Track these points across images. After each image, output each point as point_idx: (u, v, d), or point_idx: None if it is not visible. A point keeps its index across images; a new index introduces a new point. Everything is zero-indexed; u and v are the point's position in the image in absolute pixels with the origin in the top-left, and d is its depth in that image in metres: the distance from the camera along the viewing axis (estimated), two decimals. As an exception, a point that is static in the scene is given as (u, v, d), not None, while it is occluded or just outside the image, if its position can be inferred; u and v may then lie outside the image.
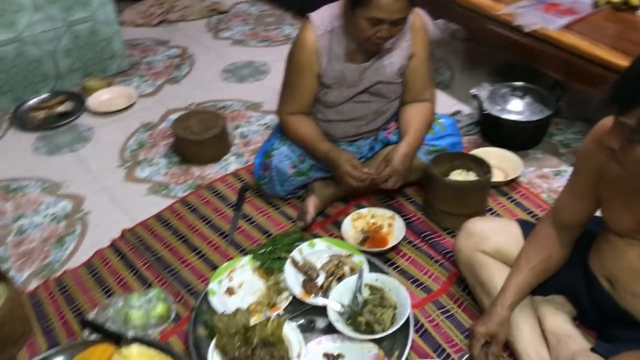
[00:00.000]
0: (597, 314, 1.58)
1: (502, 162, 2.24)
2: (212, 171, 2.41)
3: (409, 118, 2.05)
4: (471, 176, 2.04)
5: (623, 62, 1.98)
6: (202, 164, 2.44)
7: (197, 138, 2.39)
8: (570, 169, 2.16)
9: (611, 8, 2.31)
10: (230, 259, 1.95)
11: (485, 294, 1.66)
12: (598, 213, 1.51)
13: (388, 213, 2.04)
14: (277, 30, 3.46)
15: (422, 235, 2.02)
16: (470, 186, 1.97)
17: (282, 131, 2.10)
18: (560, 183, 2.21)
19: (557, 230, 1.56)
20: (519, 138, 2.37)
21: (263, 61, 3.17)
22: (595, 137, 1.41)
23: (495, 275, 1.63)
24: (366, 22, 1.74)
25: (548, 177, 2.27)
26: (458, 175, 2.05)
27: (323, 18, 1.90)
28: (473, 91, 2.45)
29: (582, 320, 1.66)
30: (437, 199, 2.02)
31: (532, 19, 2.25)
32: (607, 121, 1.30)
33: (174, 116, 2.67)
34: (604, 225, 1.49)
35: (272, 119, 2.66)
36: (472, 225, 1.71)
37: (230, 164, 2.45)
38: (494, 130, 2.39)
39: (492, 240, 1.66)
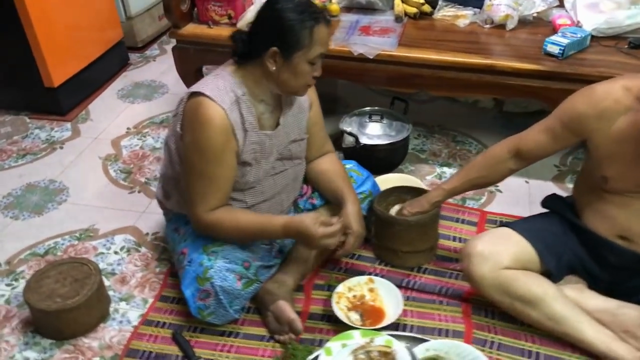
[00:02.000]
0: (607, 276, 1.72)
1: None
2: (97, 343, 1.76)
3: (330, 174, 1.88)
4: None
5: (471, 60, 2.20)
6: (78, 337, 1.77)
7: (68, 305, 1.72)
8: (430, 168, 2.43)
9: (410, 19, 2.50)
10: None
11: (528, 305, 1.65)
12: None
13: (361, 279, 1.84)
14: (30, 140, 2.73)
15: (403, 285, 1.87)
16: (433, 217, 1.91)
17: (201, 242, 1.70)
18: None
19: (508, 154, 1.72)
20: (392, 158, 2.40)
21: (47, 178, 2.46)
22: (595, 103, 1.52)
23: (531, 283, 1.64)
24: (308, 64, 1.58)
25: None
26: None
27: (220, 90, 1.59)
28: (343, 127, 2.37)
29: (595, 287, 1.78)
30: (398, 242, 1.91)
31: (366, 46, 2.27)
32: (606, 88, 1.52)
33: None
34: (598, 192, 1.62)
35: (125, 239, 2.11)
36: (479, 250, 1.67)
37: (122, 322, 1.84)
38: (368, 158, 2.36)
39: (506, 253, 1.66)
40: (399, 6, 2.51)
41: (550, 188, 2.31)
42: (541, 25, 2.42)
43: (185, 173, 1.66)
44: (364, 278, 1.84)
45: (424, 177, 2.39)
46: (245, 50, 1.63)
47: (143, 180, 2.43)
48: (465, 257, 1.69)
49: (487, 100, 2.86)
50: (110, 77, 3.21)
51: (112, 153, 2.61)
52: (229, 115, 1.58)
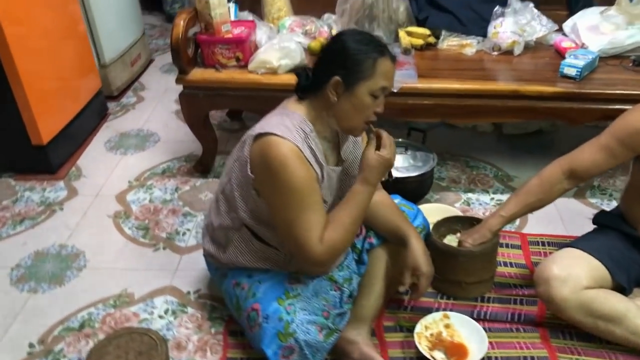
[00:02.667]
0: None
1: (445, 216, 2.22)
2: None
3: (386, 211, 1.84)
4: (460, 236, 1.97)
5: (495, 86, 2.25)
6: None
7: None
8: (455, 195, 2.43)
9: (417, 50, 2.53)
10: None
11: (611, 322, 1.67)
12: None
13: (435, 316, 1.80)
14: (23, 203, 2.50)
15: (475, 316, 1.85)
16: (495, 246, 1.91)
17: (274, 294, 1.61)
18: (482, 207, 2.36)
19: (563, 175, 1.76)
20: (421, 189, 2.39)
21: (56, 244, 2.25)
22: None
23: (612, 300, 1.67)
24: (370, 96, 1.53)
25: (472, 210, 2.37)
26: (455, 243, 1.95)
27: (290, 128, 1.53)
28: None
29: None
30: (462, 273, 1.89)
31: None
32: None
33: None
34: None
35: (166, 300, 1.96)
36: (556, 273, 1.68)
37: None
38: (399, 191, 2.33)
39: (582, 273, 1.68)
40: (406, 39, 2.54)
41: (574, 204, 2.38)
42: (543, 49, 2.52)
43: (280, 218, 1.55)
44: (439, 314, 1.80)
45: (452, 204, 2.39)
46: (308, 84, 1.60)
47: (164, 235, 2.28)
48: (543, 281, 1.69)
49: (486, 124, 2.92)
50: (92, 130, 3.02)
51: (121, 210, 2.44)
52: (303, 151, 1.52)
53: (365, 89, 1.52)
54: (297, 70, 1.69)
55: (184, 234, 2.28)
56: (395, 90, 2.25)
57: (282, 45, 2.38)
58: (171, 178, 2.64)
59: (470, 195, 2.46)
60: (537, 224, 2.28)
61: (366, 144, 1.63)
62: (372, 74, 1.51)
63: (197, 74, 2.41)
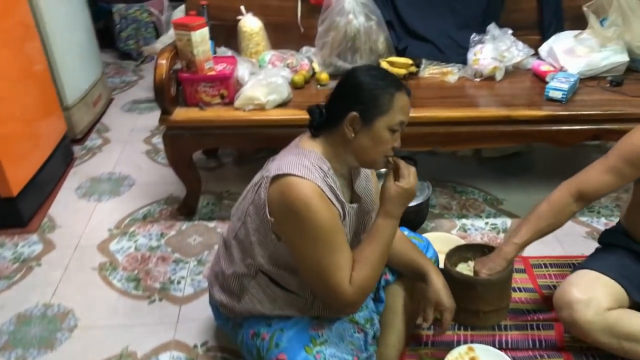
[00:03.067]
0: None
1: (448, 245, 2.19)
2: None
3: (400, 245, 1.80)
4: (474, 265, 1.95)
5: (486, 113, 2.27)
6: None
7: None
8: (450, 222, 2.46)
9: (404, 80, 2.54)
10: None
11: (635, 341, 1.68)
12: None
13: (461, 350, 1.76)
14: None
15: (496, 346, 1.82)
16: (510, 273, 1.89)
17: (300, 342, 1.54)
18: (479, 232, 2.36)
19: (571, 198, 1.77)
20: (419, 219, 2.37)
21: (39, 303, 2.08)
22: None
23: (636, 319, 1.68)
24: (388, 131, 1.49)
25: (470, 236, 2.36)
26: (468, 271, 1.93)
27: (308, 168, 1.48)
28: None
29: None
30: (481, 303, 1.85)
31: None
32: None
33: None
34: None
35: (172, 356, 1.83)
36: (577, 296, 1.69)
37: None
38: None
39: (603, 295, 1.69)
40: (388, 69, 2.54)
41: (568, 224, 2.41)
42: (521, 73, 2.58)
43: (306, 262, 1.47)
44: (463, 348, 1.77)
45: (449, 231, 2.38)
46: (322, 121, 1.55)
47: (158, 285, 2.15)
48: (565, 305, 1.69)
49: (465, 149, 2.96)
50: (60, 177, 2.85)
51: (106, 261, 2.28)
52: (324, 191, 1.46)
53: (383, 123, 1.49)
54: (309, 107, 1.63)
55: (178, 282, 2.16)
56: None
57: (269, 81, 2.32)
58: (154, 223, 2.51)
59: (464, 221, 2.46)
60: (536, 246, 2.27)
61: (385, 175, 1.60)
62: (390, 108, 1.49)
63: (181, 113, 2.32)
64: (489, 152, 2.94)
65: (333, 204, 1.48)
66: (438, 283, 1.69)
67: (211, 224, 2.48)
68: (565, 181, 1.82)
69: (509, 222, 2.45)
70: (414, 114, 2.26)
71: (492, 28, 2.53)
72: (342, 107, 1.50)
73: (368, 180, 1.74)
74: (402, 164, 1.57)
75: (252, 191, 1.58)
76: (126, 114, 3.55)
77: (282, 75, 2.41)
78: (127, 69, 4.27)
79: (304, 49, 2.72)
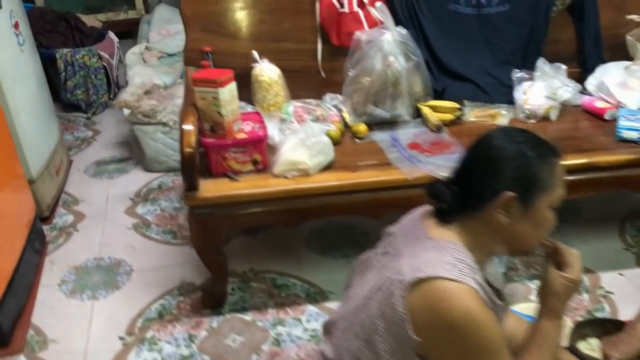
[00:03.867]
0: None
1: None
2: None
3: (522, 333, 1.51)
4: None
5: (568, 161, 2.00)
6: None
7: None
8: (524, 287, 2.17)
9: (444, 126, 2.23)
10: None
11: None
12: None
13: None
14: None
15: None
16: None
17: None
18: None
19: None
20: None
21: None
22: None
23: None
24: (550, 210, 1.21)
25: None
26: (590, 351, 1.67)
27: (456, 266, 1.15)
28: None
29: None
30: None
31: (431, 166, 1.94)
32: None
33: None
34: None
35: None
36: None
37: None
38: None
39: None
40: (433, 115, 2.23)
41: (642, 271, 2.21)
42: (572, 111, 2.34)
43: None
44: None
45: (527, 297, 2.08)
46: (457, 204, 1.22)
47: (209, 412, 1.69)
48: None
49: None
50: (35, 272, 2.29)
51: (128, 384, 1.79)
52: (480, 294, 1.14)
53: (545, 202, 1.19)
54: (431, 184, 1.30)
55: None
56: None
57: (313, 141, 1.94)
58: (175, 322, 2.02)
59: (536, 282, 2.17)
60: (628, 306, 2.04)
61: (545, 264, 1.29)
62: (552, 182, 1.19)
63: (209, 187, 1.88)
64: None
65: (489, 308, 1.16)
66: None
67: (247, 317, 2.04)
68: None
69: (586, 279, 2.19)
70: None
71: (542, 64, 2.29)
72: (487, 186, 1.19)
73: (492, 266, 1.42)
74: (565, 248, 1.28)
75: (376, 300, 1.22)
76: (93, 180, 3.00)
77: (323, 131, 2.04)
78: (77, 123, 3.69)
79: (327, 96, 2.35)
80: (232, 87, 1.90)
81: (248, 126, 2.00)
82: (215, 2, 2.25)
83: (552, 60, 2.38)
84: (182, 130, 1.79)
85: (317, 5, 2.29)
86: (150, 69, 3.56)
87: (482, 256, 1.24)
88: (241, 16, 2.27)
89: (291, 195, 1.90)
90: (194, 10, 2.24)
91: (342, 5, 2.26)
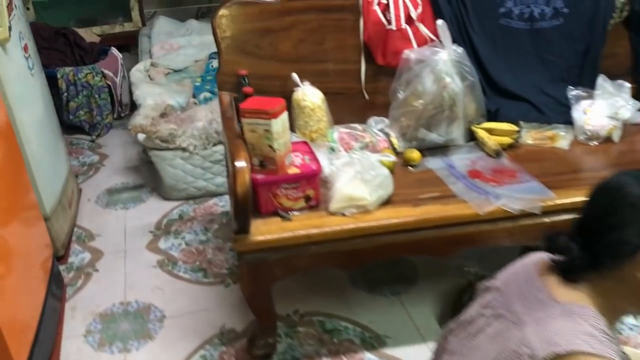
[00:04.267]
0: None
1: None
2: None
3: None
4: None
5: None
6: None
7: None
8: None
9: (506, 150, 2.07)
10: None
11: None
12: None
13: None
14: None
15: None
16: None
17: None
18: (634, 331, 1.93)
19: None
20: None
21: None
22: None
23: None
24: None
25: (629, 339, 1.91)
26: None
27: (596, 337, 1.00)
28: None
29: None
30: None
31: (522, 199, 1.76)
32: None
33: None
34: None
35: None
36: None
37: None
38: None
39: None
40: (491, 139, 2.06)
41: None
42: (633, 131, 2.18)
43: None
44: None
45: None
46: (588, 261, 1.07)
47: None
48: None
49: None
50: (58, 321, 2.06)
51: None
52: None
53: None
54: (555, 237, 1.13)
55: None
56: (536, 212, 1.76)
57: (373, 174, 1.75)
58: (223, 381, 1.83)
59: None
60: None
61: None
62: None
63: (260, 228, 1.68)
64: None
65: None
66: None
67: (300, 368, 1.85)
68: None
69: None
70: (562, 199, 1.80)
71: (602, 81, 2.13)
72: (625, 242, 1.03)
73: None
74: None
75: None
76: (107, 211, 2.78)
77: (377, 161, 1.85)
78: (81, 147, 3.45)
79: (372, 120, 2.17)
80: (285, 117, 1.71)
81: (298, 158, 1.81)
82: (252, 21, 2.05)
83: (606, 75, 2.24)
84: (234, 168, 1.58)
85: (361, 23, 2.10)
86: (159, 87, 3.35)
87: (613, 319, 1.10)
88: (279, 36, 2.07)
89: (352, 235, 1.71)
90: (228, 29, 2.04)
91: (389, 22, 2.08)
